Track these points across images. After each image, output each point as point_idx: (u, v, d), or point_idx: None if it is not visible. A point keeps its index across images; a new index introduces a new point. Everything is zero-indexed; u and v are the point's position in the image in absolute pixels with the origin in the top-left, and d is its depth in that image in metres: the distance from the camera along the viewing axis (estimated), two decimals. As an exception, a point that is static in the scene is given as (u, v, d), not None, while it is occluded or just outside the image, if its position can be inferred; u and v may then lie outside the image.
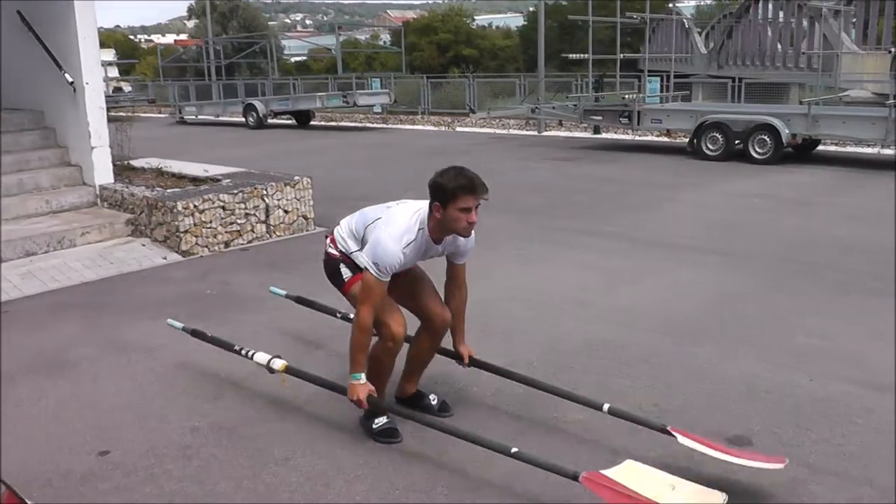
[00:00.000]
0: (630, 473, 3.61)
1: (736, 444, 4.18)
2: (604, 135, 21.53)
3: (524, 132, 23.35)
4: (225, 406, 4.77)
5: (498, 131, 24.03)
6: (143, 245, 8.69)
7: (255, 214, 9.01)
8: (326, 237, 4.50)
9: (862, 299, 6.71)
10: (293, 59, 64.83)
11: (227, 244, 8.73)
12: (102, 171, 9.84)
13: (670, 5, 31.52)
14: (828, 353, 5.46)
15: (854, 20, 43.33)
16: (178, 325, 5.39)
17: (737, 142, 15.90)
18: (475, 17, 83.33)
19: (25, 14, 9.99)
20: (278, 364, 4.53)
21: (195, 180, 9.90)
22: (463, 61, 59.60)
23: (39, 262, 8.09)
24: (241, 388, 5.04)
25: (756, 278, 7.33)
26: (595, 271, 7.50)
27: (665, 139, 20.22)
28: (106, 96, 10.37)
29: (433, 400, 4.70)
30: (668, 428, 4.01)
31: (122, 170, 10.51)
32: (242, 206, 8.89)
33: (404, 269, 4.20)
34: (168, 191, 9.20)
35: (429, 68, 54.13)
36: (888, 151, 16.60)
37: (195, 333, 5.26)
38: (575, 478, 3.52)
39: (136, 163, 11.08)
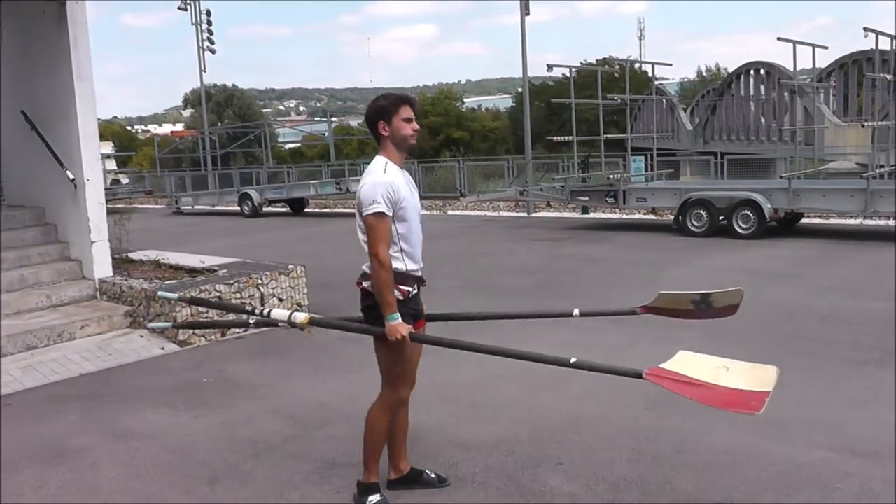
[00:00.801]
0: (685, 363, 3.95)
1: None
2: (591, 214, 21.85)
3: (514, 214, 23.72)
4: (222, 489, 4.93)
5: (488, 213, 24.38)
6: (142, 336, 8.88)
7: (250, 304, 9.21)
8: (359, 284, 4.51)
9: (841, 368, 6.91)
10: (287, 146, 65.58)
11: (223, 333, 8.91)
12: (102, 265, 10.07)
13: (655, 83, 32.01)
14: (808, 422, 5.64)
15: (834, 93, 44.23)
16: (173, 295, 5.58)
17: (721, 218, 16.21)
18: (464, 100, 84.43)
19: (29, 113, 10.33)
20: (301, 317, 4.56)
21: (192, 271, 10.13)
22: (454, 144, 60.33)
23: (40, 356, 8.27)
24: (238, 471, 5.19)
25: (736, 350, 7.50)
26: (580, 349, 7.66)
27: (651, 217, 20.55)
28: (104, 189, 10.65)
29: (431, 473, 4.88)
30: (645, 374, 3.98)
31: (121, 262, 10.74)
32: (238, 295, 9.11)
33: (421, 311, 4.62)
34: (165, 283, 9.42)
35: (421, 151, 54.76)
36: (870, 222, 16.92)
37: (194, 301, 5.41)
38: (638, 375, 3.95)
39: (134, 255, 11.32)
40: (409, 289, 4.43)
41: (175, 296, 5.59)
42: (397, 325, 4.25)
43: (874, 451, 5.09)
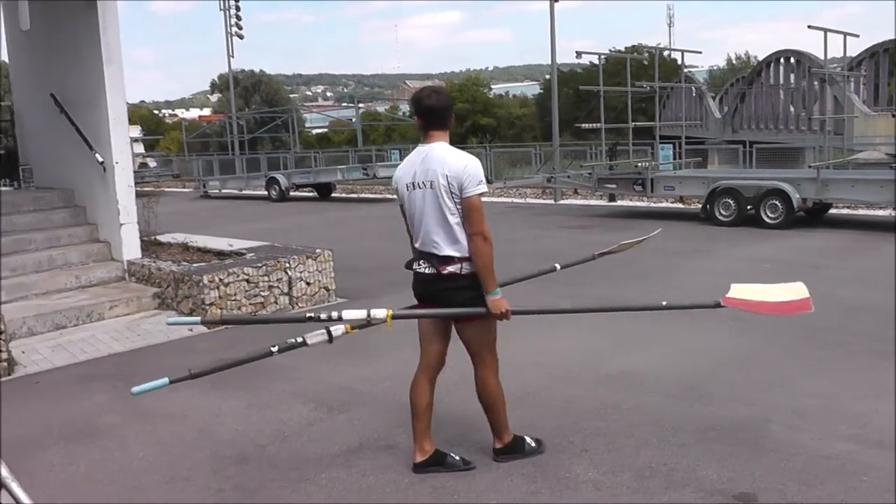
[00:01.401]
0: (741, 291, 5.20)
1: (742, 501, 4.37)
2: (619, 202, 21.78)
3: (540, 201, 23.66)
4: (249, 469, 4.98)
5: (515, 200, 24.34)
6: (170, 318, 8.95)
7: (278, 287, 9.28)
8: (441, 269, 4.56)
9: (866, 360, 6.87)
10: (314, 132, 65.70)
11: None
12: (130, 247, 10.17)
13: (685, 71, 31.83)
14: (833, 413, 5.61)
15: (864, 82, 43.77)
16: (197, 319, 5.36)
17: (749, 207, 16.12)
18: (492, 86, 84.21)
19: (58, 97, 10.41)
20: (381, 314, 4.53)
21: (220, 254, 10.21)
22: (480, 130, 60.18)
23: (69, 335, 8.38)
24: (265, 451, 5.25)
25: (763, 341, 7.50)
26: (607, 336, 7.67)
27: (679, 205, 20.45)
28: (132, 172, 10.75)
29: (455, 456, 4.94)
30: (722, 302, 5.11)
31: (149, 245, 10.83)
32: (266, 278, 9.16)
33: None
34: (194, 265, 9.50)
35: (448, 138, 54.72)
36: (901, 213, 16.79)
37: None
38: (718, 305, 5.07)
39: (162, 238, 11.41)
40: None
41: (198, 319, 5.37)
42: (499, 299, 4.49)
43: (900, 444, 5.06)
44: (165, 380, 4.44)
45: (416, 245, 4.70)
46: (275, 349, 4.58)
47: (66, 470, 5.11)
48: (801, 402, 5.87)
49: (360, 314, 4.54)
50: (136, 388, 4.30)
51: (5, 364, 7.16)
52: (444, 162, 4.47)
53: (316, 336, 4.53)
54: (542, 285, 5.59)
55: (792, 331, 7.77)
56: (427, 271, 4.61)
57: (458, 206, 4.47)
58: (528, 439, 5.04)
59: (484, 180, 4.46)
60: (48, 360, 7.64)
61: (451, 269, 4.51)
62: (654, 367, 6.76)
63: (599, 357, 7.03)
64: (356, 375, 6.80)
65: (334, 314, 4.57)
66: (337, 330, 4.50)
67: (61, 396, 6.60)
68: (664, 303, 5.30)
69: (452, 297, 4.58)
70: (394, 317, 4.55)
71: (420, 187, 4.55)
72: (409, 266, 4.79)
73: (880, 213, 17.40)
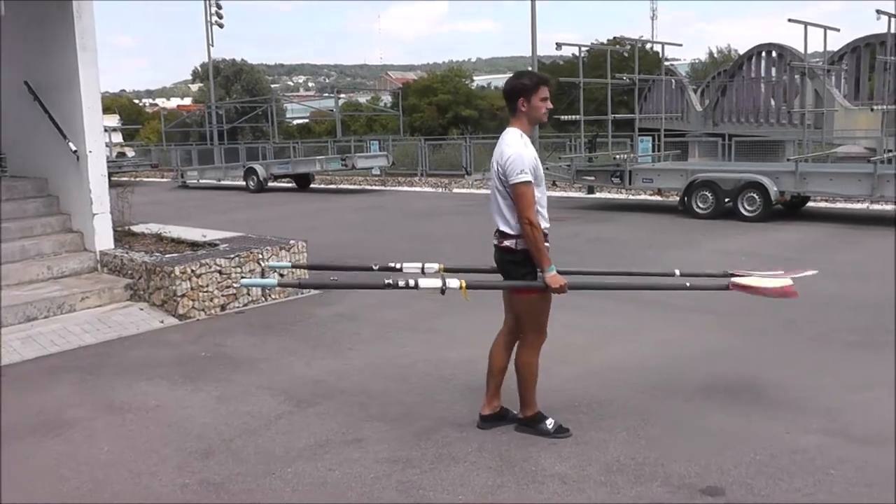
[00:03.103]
0: (747, 279, 5.54)
1: (709, 495, 4.36)
2: (597, 194, 21.83)
3: (520, 192, 23.60)
4: (215, 463, 4.94)
5: (495, 192, 24.28)
6: (142, 309, 8.89)
7: (250, 278, 9.20)
8: (500, 243, 5.03)
9: (839, 353, 6.89)
10: (295, 122, 65.53)
11: (223, 307, 8.93)
12: (103, 238, 10.07)
13: (667, 64, 31.85)
14: (804, 406, 5.63)
15: (845, 77, 44.02)
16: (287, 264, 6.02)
17: (726, 200, 16.15)
18: (474, 78, 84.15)
19: (32, 84, 10.30)
20: (455, 283, 4.88)
21: (193, 245, 10.12)
22: (462, 122, 60.16)
23: (40, 327, 8.28)
24: (231, 445, 5.20)
25: (736, 335, 7.51)
26: (580, 330, 7.66)
27: (657, 198, 20.48)
28: (109, 161, 10.63)
29: (518, 413, 5.35)
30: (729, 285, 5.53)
31: (123, 235, 10.73)
32: (239, 270, 9.10)
33: None
34: (166, 256, 9.42)
35: (429, 129, 54.71)
36: (876, 207, 16.87)
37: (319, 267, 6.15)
38: (726, 287, 5.51)
39: (136, 228, 11.31)
40: (547, 244, 4.97)
41: (289, 264, 5.84)
42: (555, 275, 4.85)
43: (870, 437, 5.08)
44: (274, 280, 5.54)
45: None
46: (389, 281, 4.95)
47: (31, 463, 5.05)
48: (772, 395, 5.88)
49: (436, 282, 4.90)
50: (244, 280, 5.70)
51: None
52: (500, 149, 4.97)
53: (429, 282, 4.94)
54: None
55: (767, 324, 7.79)
56: (495, 242, 5.06)
57: (508, 190, 4.87)
58: (548, 421, 5.25)
59: (527, 170, 4.77)
60: (18, 352, 7.55)
61: (507, 243, 4.96)
62: (625, 362, 6.76)
63: (571, 351, 7.00)
64: (326, 368, 6.76)
65: (411, 282, 4.94)
66: (452, 283, 4.87)
67: (30, 389, 6.52)
68: (676, 272, 5.94)
69: (509, 270, 5.05)
70: (468, 286, 4.91)
71: (492, 168, 5.02)
72: None
73: (857, 206, 17.48)
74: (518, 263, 4.96)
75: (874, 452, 4.84)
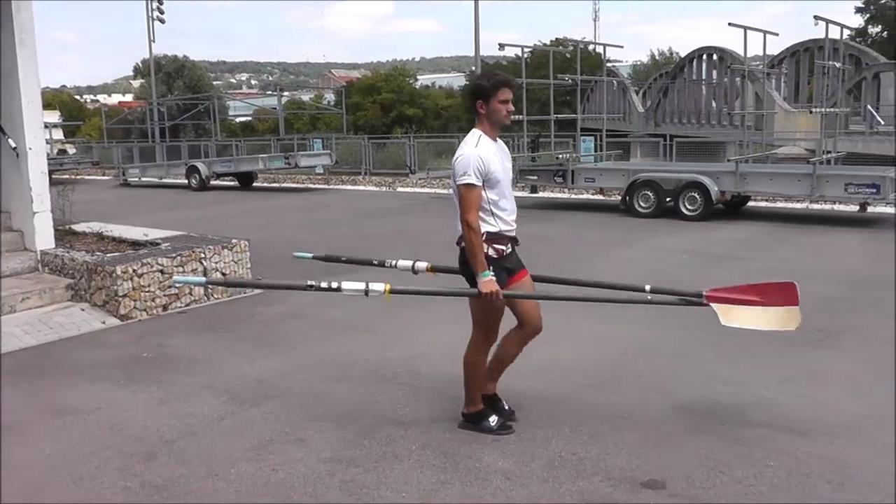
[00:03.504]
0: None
1: (650, 488, 4.45)
2: (540, 194, 21.97)
3: (464, 191, 23.65)
4: (157, 465, 4.91)
5: (438, 191, 24.35)
6: (83, 310, 8.79)
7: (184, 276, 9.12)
8: (458, 244, 5.05)
9: (777, 348, 7.01)
10: (238, 120, 65.01)
11: (165, 307, 8.86)
12: (44, 237, 9.93)
13: (609, 65, 32.13)
14: (743, 400, 5.76)
15: (785, 80, 44.83)
16: (308, 255, 5.92)
17: (668, 199, 16.39)
18: (418, 77, 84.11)
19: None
20: (380, 287, 4.83)
21: (135, 244, 10.03)
22: (406, 121, 60.12)
23: (-22, 329, 8.15)
24: (174, 447, 5.18)
25: (677, 330, 7.61)
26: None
27: (599, 197, 20.67)
28: (50, 159, 10.47)
29: (506, 405, 5.42)
30: (703, 294, 5.19)
31: (64, 234, 10.60)
32: (181, 269, 9.03)
33: (517, 266, 5.22)
34: (108, 255, 9.32)
35: (373, 128, 54.56)
36: (816, 206, 17.20)
37: (328, 259, 5.82)
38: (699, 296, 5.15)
39: (77, 227, 11.18)
40: (503, 247, 5.00)
41: (310, 255, 5.88)
42: (488, 281, 4.79)
43: (806, 428, 5.21)
44: (203, 279, 5.73)
45: None
46: (312, 283, 4.86)
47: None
48: (712, 389, 6.00)
49: (359, 286, 4.83)
50: (178, 278, 5.52)
51: None
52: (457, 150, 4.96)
53: (352, 286, 4.83)
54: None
55: (705, 321, 7.88)
56: (457, 243, 5.06)
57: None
58: (492, 418, 5.27)
59: (471, 172, 4.74)
60: (-44, 353, 7.43)
61: (463, 244, 4.94)
62: (566, 358, 6.82)
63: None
64: (269, 368, 6.75)
65: (334, 284, 4.85)
66: (377, 287, 4.81)
67: (-32, 391, 6.42)
68: (647, 287, 5.41)
69: (464, 270, 5.06)
70: (392, 291, 4.89)
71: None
72: None
73: (797, 205, 17.81)
74: (468, 264, 4.95)
75: (811, 443, 4.98)
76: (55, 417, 5.77)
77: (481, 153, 4.81)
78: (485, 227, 4.88)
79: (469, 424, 5.28)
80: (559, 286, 5.91)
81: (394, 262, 5.65)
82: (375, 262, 5.78)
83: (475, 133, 4.93)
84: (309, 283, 4.87)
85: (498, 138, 5.06)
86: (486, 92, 4.87)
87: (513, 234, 5.08)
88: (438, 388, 6.12)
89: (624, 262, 11.29)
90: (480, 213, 4.86)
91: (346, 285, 4.84)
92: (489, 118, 4.91)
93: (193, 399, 6.02)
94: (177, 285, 8.78)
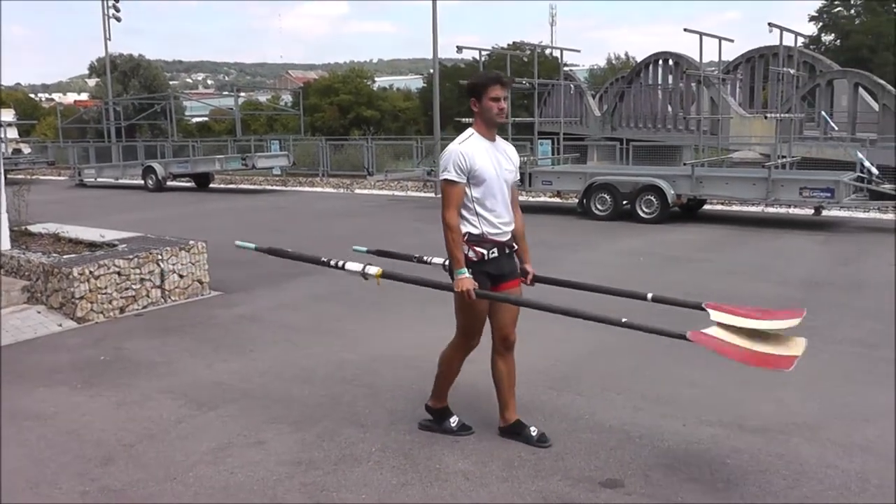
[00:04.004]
0: (723, 331, 4.51)
1: (609, 487, 4.50)
2: (499, 196, 21.95)
3: (421, 194, 23.75)
4: (115, 470, 4.88)
5: (396, 193, 24.40)
6: (39, 312, 8.70)
7: (150, 279, 9.09)
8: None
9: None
10: (194, 120, 64.53)
11: (122, 310, 8.79)
12: (-1, 238, 9.79)
13: (566, 69, 32.31)
14: (700, 400, 5.85)
15: (740, 86, 45.41)
16: (250, 245, 5.64)
17: (624, 202, 16.54)
18: (376, 79, 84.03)
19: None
20: (374, 270, 4.99)
21: (92, 246, 9.93)
22: (364, 122, 60.05)
23: (-68, 332, 8.03)
24: (132, 451, 5.15)
25: (634, 332, 7.66)
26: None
27: (556, 200, 20.79)
28: (4, 158, 10.33)
29: (533, 431, 5.16)
30: (703, 305, 4.81)
31: (19, 235, 10.49)
32: (138, 271, 8.97)
33: (507, 274, 5.08)
34: (65, 257, 9.22)
35: (330, 129, 54.42)
36: (771, 210, 17.44)
37: (271, 251, 5.55)
38: (683, 337, 4.47)
39: (33, 228, 11.06)
40: (484, 251, 4.86)
41: (252, 245, 5.69)
42: (463, 279, 4.71)
43: (762, 427, 5.31)
44: (253, 245, 5.49)
45: None
46: (326, 260, 5.19)
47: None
48: (670, 389, 6.07)
49: (358, 266, 5.03)
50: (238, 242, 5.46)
51: None
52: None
53: (353, 266, 5.04)
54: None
55: (662, 320, 7.96)
56: None
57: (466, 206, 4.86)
58: (452, 419, 5.31)
59: (451, 168, 4.74)
60: None
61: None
62: (525, 358, 6.82)
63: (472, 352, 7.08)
64: (227, 371, 6.73)
65: (340, 262, 5.14)
66: (371, 269, 4.99)
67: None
68: (623, 319, 4.88)
69: (448, 267, 4.99)
70: (383, 275, 4.99)
71: None
72: None
73: (752, 209, 18.04)
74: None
75: (767, 441, 5.08)
76: (11, 423, 5.70)
77: (464, 149, 4.76)
78: (467, 228, 4.83)
79: (430, 423, 5.31)
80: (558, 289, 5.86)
81: (429, 259, 5.81)
82: (416, 256, 6.01)
83: (468, 131, 4.91)
84: (323, 259, 5.13)
85: (501, 139, 5.01)
86: (478, 90, 4.81)
87: (502, 238, 4.95)
88: (398, 390, 6.14)
89: (581, 264, 11.37)
90: (464, 212, 4.82)
91: (349, 265, 5.03)
92: (482, 116, 4.86)
93: (151, 403, 5.98)
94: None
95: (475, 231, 4.83)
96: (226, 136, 42.99)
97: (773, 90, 31.47)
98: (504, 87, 4.84)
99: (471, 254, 4.81)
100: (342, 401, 5.93)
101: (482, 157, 4.79)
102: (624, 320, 4.68)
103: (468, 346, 5.13)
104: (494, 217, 4.87)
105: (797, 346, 4.30)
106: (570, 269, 10.93)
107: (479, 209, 4.82)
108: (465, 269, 4.74)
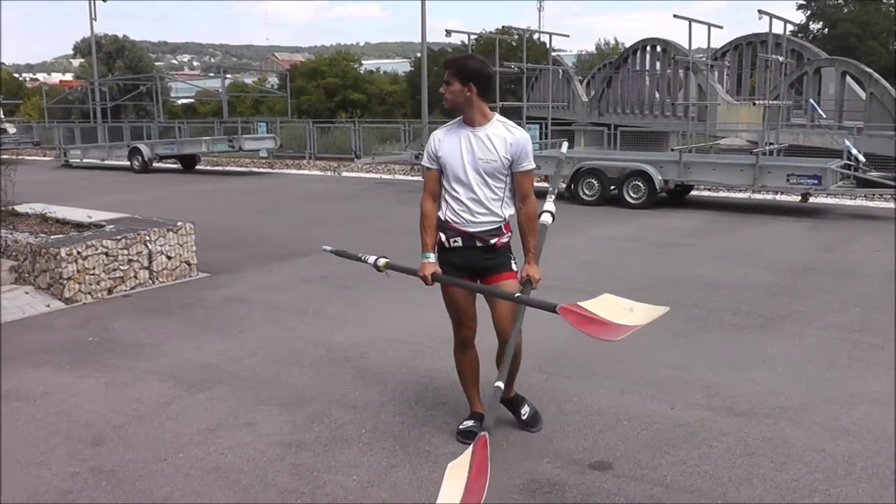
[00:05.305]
0: (601, 303, 4.47)
1: (598, 469, 4.53)
2: (486, 180, 21.94)
3: (408, 177, 23.67)
4: (105, 450, 4.88)
5: (383, 176, 24.35)
6: (27, 293, 8.68)
7: (137, 260, 9.07)
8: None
9: (721, 333, 7.17)
10: (180, 102, 64.21)
11: (110, 291, 8.78)
12: (-15, 218, 9.76)
13: (554, 54, 32.28)
14: (688, 384, 5.87)
15: (728, 73, 45.50)
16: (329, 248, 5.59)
17: (612, 187, 16.54)
18: (363, 62, 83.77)
19: None
20: (382, 262, 4.98)
21: (79, 226, 9.90)
22: (351, 105, 59.85)
23: (-82, 312, 8.01)
24: (121, 432, 5.15)
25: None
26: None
27: (544, 185, 20.77)
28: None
29: (524, 415, 5.15)
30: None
31: (7, 216, 10.46)
32: (125, 252, 8.94)
33: (479, 269, 4.83)
34: (52, 237, 9.19)
35: (317, 112, 54.22)
36: (758, 196, 17.49)
37: (338, 253, 5.47)
38: (553, 309, 4.36)
39: (20, 208, 11.02)
40: (444, 239, 4.72)
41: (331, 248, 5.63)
42: (424, 263, 4.67)
43: (749, 410, 5.35)
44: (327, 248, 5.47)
45: None
46: (361, 256, 5.15)
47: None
48: (658, 373, 6.09)
49: (372, 258, 5.04)
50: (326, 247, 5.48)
51: None
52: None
53: (370, 258, 5.04)
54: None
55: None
56: None
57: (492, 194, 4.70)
58: (468, 422, 5.04)
59: (425, 154, 4.76)
60: None
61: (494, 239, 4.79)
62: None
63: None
64: (216, 352, 6.73)
65: (364, 256, 5.14)
66: (380, 261, 4.98)
67: None
68: (516, 294, 4.85)
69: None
70: (387, 266, 4.99)
71: None
72: None
73: (739, 195, 18.08)
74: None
75: (754, 425, 5.12)
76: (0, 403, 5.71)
77: (437, 134, 4.71)
78: (440, 213, 4.71)
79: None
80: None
81: (370, 258, 5.25)
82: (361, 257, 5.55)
83: (460, 117, 4.70)
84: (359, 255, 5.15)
85: (501, 125, 4.63)
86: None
87: (469, 228, 4.66)
88: (387, 372, 6.16)
89: (568, 248, 11.36)
90: (442, 198, 4.73)
91: (369, 258, 5.04)
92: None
93: (140, 384, 5.98)
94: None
95: (441, 216, 4.70)
96: (212, 118, 42.83)
97: (760, 77, 31.54)
98: (447, 69, 4.58)
99: (441, 237, 4.71)
100: (331, 382, 5.94)
101: (450, 144, 4.63)
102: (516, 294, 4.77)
103: (457, 338, 4.98)
104: (457, 205, 4.65)
105: (648, 315, 4.50)
106: (554, 253, 10.95)
107: (446, 196, 4.70)
108: (430, 254, 4.69)
